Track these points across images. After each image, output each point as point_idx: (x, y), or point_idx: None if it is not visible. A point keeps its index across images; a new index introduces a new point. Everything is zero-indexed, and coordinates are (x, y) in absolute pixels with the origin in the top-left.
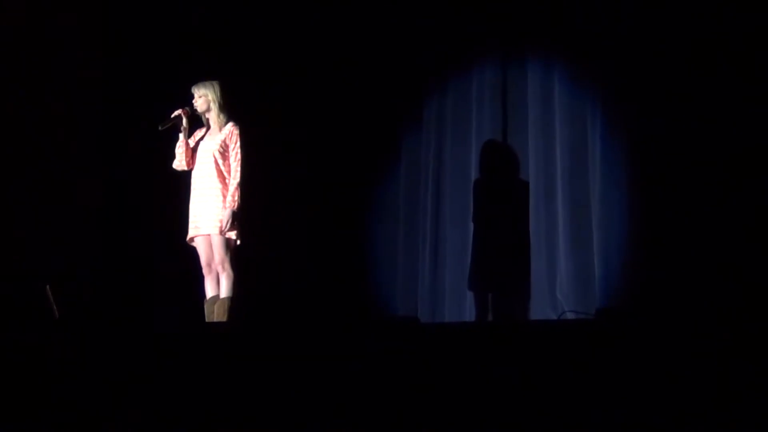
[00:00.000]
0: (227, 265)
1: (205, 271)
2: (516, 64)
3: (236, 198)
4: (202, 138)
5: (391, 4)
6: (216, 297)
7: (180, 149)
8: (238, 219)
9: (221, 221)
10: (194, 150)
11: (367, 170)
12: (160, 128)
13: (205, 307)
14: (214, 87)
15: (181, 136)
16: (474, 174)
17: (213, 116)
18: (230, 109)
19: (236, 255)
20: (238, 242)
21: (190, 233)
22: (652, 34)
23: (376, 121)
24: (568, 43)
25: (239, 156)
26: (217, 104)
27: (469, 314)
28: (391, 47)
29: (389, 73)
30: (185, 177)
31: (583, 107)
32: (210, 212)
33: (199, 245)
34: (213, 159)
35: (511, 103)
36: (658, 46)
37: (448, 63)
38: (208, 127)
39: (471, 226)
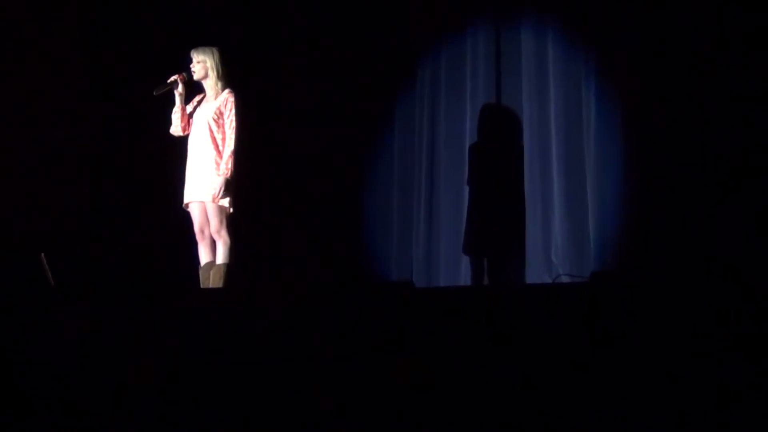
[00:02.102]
0: (223, 232)
1: (198, 237)
2: (510, 25)
3: (230, 166)
4: (199, 105)
5: None
6: (211, 263)
7: (176, 115)
8: (231, 187)
9: (215, 189)
10: (191, 116)
11: (361, 135)
12: (155, 93)
13: (201, 273)
14: (213, 53)
15: (178, 101)
16: (468, 137)
17: (210, 83)
18: (228, 77)
19: (231, 222)
20: (231, 210)
21: (186, 199)
22: None
23: (369, 85)
24: (562, 4)
25: (234, 124)
26: (215, 71)
27: (465, 278)
28: (384, 10)
29: (383, 37)
30: (183, 143)
31: (578, 69)
32: (204, 179)
33: (194, 211)
34: (207, 126)
35: (505, 65)
36: (653, 7)
37: (442, 25)
38: (205, 93)
39: (466, 190)
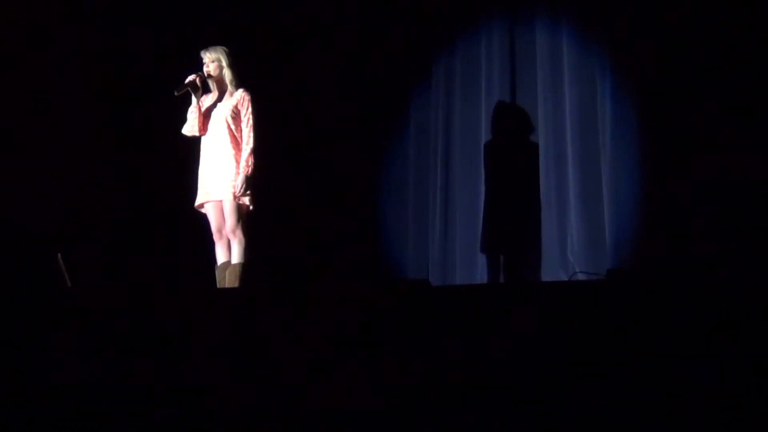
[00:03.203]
0: (239, 231)
1: (215, 237)
2: (524, 23)
3: (250, 163)
4: (213, 104)
5: None
6: (227, 263)
7: (192, 114)
8: (251, 185)
9: (235, 187)
10: (205, 116)
11: (376, 133)
12: (175, 94)
13: (217, 273)
14: (225, 52)
15: (194, 101)
16: (483, 135)
17: (225, 81)
18: (240, 75)
19: (248, 220)
20: (251, 208)
21: (200, 199)
22: None
23: (384, 84)
24: (577, 1)
25: (251, 122)
26: (229, 70)
27: (481, 277)
28: (399, 8)
29: (397, 35)
30: (194, 143)
31: (592, 66)
32: (222, 178)
33: (210, 211)
34: (225, 124)
35: (519, 62)
36: (668, 2)
37: (457, 23)
38: (218, 93)
39: (481, 188)
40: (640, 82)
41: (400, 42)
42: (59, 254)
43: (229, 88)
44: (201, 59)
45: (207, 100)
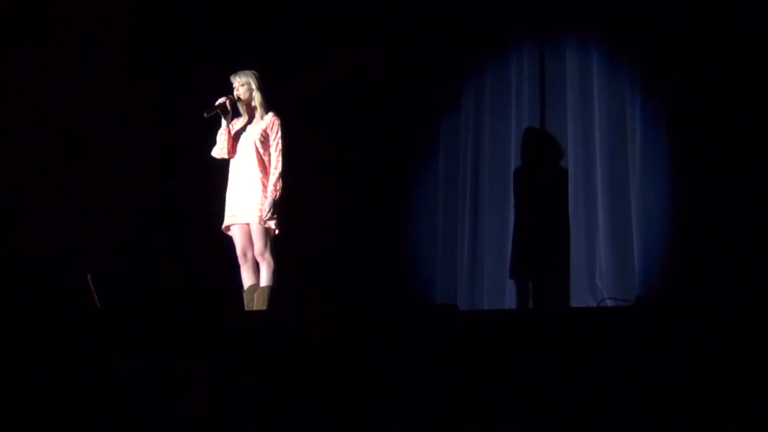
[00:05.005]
0: (267, 255)
1: (241, 260)
2: (554, 46)
3: (278, 188)
4: (243, 128)
5: None
6: (255, 286)
7: (222, 137)
8: (278, 209)
9: (262, 210)
10: (234, 139)
11: (405, 158)
12: (205, 116)
13: (245, 296)
14: (255, 75)
15: (224, 123)
16: (513, 159)
17: (255, 104)
18: (269, 99)
19: (275, 244)
20: (277, 232)
21: (227, 221)
22: (691, 12)
23: (414, 108)
24: (607, 23)
25: (280, 146)
26: (259, 92)
27: (509, 302)
28: (428, 32)
29: (427, 59)
30: (222, 165)
31: (623, 89)
32: (249, 201)
33: (236, 234)
34: (254, 147)
35: (549, 85)
36: (698, 25)
37: (487, 46)
38: (248, 116)
39: (510, 213)
40: (671, 107)
41: (430, 65)
42: (89, 275)
43: (259, 111)
44: (231, 83)
45: (237, 123)
